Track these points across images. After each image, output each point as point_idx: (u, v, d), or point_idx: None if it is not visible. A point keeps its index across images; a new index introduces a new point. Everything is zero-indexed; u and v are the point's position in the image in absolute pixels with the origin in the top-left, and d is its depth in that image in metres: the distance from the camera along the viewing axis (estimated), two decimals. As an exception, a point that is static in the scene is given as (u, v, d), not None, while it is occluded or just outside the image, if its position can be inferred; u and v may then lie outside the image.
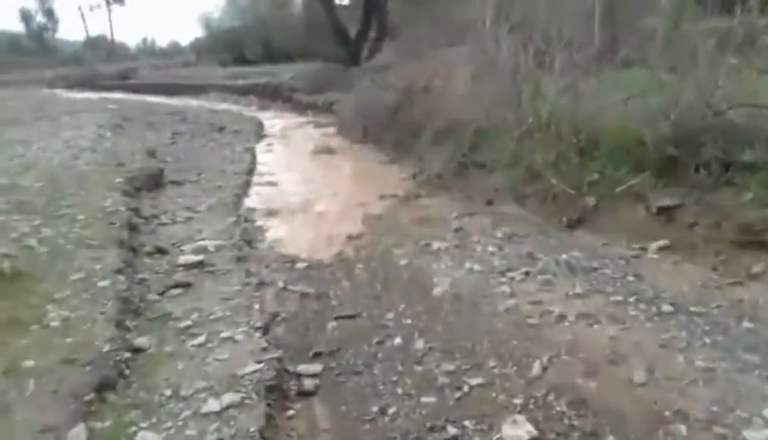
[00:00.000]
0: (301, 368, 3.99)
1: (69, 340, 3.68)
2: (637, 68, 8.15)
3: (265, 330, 4.21)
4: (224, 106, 22.98)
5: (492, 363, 3.95)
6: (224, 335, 4.09)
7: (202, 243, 6.20)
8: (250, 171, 10.57)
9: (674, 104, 6.58)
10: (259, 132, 15.80)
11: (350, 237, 6.88)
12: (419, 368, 3.99)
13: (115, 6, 54.88)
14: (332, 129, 15.80)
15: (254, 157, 11.87)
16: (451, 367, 3.94)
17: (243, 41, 33.47)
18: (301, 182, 9.92)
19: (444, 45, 14.64)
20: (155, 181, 8.98)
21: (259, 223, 7.57)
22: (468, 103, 9.57)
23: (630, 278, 5.17)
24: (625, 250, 5.91)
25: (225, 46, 35.34)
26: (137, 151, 10.60)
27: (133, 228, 6.34)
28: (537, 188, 7.48)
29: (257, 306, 4.64)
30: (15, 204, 6.59)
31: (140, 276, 5.15)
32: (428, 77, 11.89)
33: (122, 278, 4.74)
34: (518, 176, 7.88)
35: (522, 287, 5.18)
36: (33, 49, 52.16)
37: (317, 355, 4.20)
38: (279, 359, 3.79)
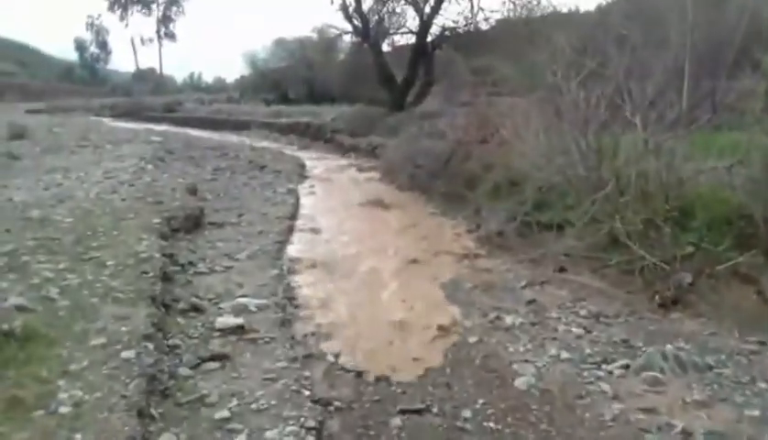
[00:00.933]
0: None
1: (78, 437, 2.90)
2: (730, 131, 7.28)
3: (318, 433, 3.37)
4: (264, 143, 22.64)
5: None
6: (269, 434, 3.27)
7: (242, 300, 5.46)
8: (293, 216, 9.88)
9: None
10: (301, 173, 15.22)
11: (404, 301, 6.07)
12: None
13: (165, 41, 55.72)
14: (376, 173, 15.15)
15: (297, 200, 11.21)
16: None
17: (287, 81, 33.55)
18: (346, 231, 9.16)
19: (494, 94, 14.09)
20: (194, 222, 8.34)
21: (303, 277, 6.79)
22: (533, 156, 8.77)
23: (762, 384, 4.21)
24: (739, 343, 4.95)
25: (270, 84, 35.50)
26: (178, 188, 10.04)
27: (167, 279, 5.64)
28: (619, 258, 6.56)
29: (306, 393, 3.82)
30: (42, 242, 5.96)
31: (171, 342, 4.39)
32: (485, 126, 11.18)
33: (151, 346, 3.98)
34: (596, 243, 7.00)
35: (625, 386, 4.27)
36: (85, 78, 53.68)
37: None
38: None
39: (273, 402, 3.61)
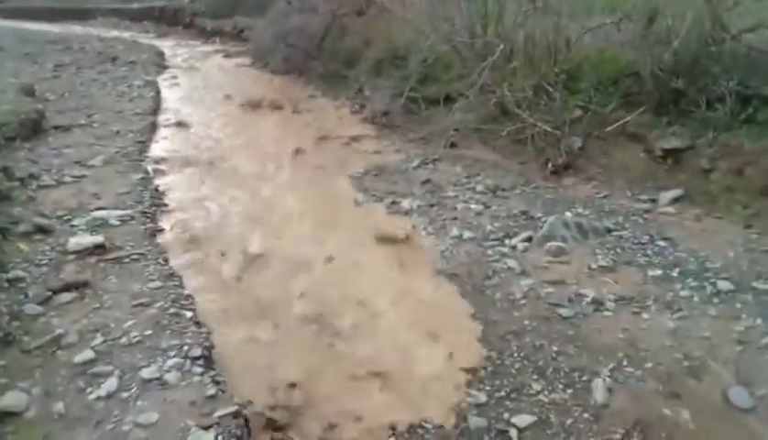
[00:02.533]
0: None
1: None
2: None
3: (207, 361, 2.87)
4: (114, 33, 20.06)
5: (536, 386, 2.84)
6: (145, 373, 2.72)
7: (99, 213, 4.64)
8: (155, 111, 8.73)
9: (677, 27, 5.57)
10: (160, 63, 13.59)
11: (291, 195, 5.53)
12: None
13: None
14: (245, 59, 13.88)
15: (158, 93, 9.92)
16: (483, 398, 2.80)
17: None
18: (219, 124, 8.25)
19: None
20: (33, 127, 7.05)
21: (172, 179, 5.98)
22: (415, 28, 8.16)
23: (660, 242, 4.20)
24: (632, 203, 4.96)
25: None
26: (9, 89, 8.44)
27: (2, 197, 4.66)
28: (508, 128, 6.32)
29: (188, 314, 3.27)
30: None
31: (12, 274, 3.58)
32: (360, -3, 10.30)
33: (-21, 284, 3.19)
34: (485, 114, 6.71)
35: (532, 259, 4.10)
36: None
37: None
38: (238, 415, 2.49)
39: (148, 332, 3.02)
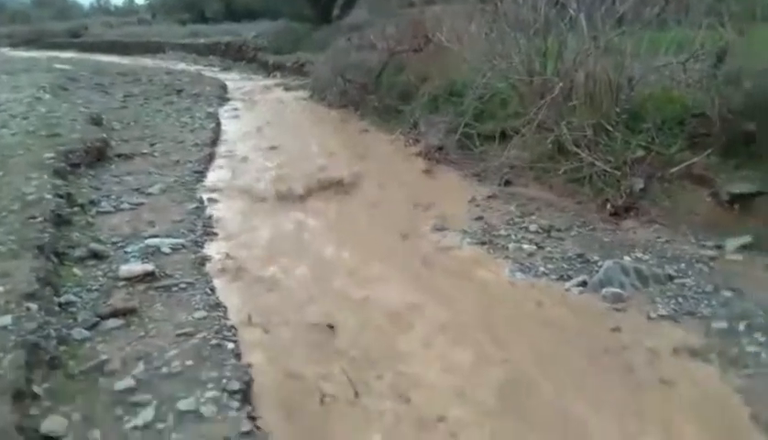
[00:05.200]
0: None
1: None
2: (678, 26, 6.81)
3: (244, 395, 2.81)
4: (181, 66, 20.95)
5: None
6: (182, 405, 2.69)
7: (152, 241, 4.72)
8: (213, 142, 8.97)
9: (748, 67, 5.32)
10: (222, 95, 14.06)
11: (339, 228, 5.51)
12: None
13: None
14: (304, 92, 14.20)
15: (218, 125, 10.22)
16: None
17: (202, -2, 31.11)
18: (276, 155, 8.38)
19: (427, 2, 13.11)
20: (97, 155, 7.34)
21: (226, 209, 6.06)
22: (472, 61, 8.13)
23: (726, 293, 3.92)
24: (696, 249, 4.67)
25: (184, 4, 32.85)
26: (79, 118, 8.86)
27: (62, 222, 4.81)
28: (566, 167, 6.14)
29: (229, 346, 3.24)
30: None
31: (65, 298, 3.65)
32: (418, 34, 10.36)
33: (35, 307, 3.25)
34: (542, 152, 6.55)
35: (586, 304, 3.90)
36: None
37: None
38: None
39: (189, 363, 3.00)
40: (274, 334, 3.57)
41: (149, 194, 6.11)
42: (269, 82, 17.03)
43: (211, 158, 8.05)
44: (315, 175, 7.25)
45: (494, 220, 5.50)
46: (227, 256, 4.74)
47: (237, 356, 3.17)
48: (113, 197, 5.88)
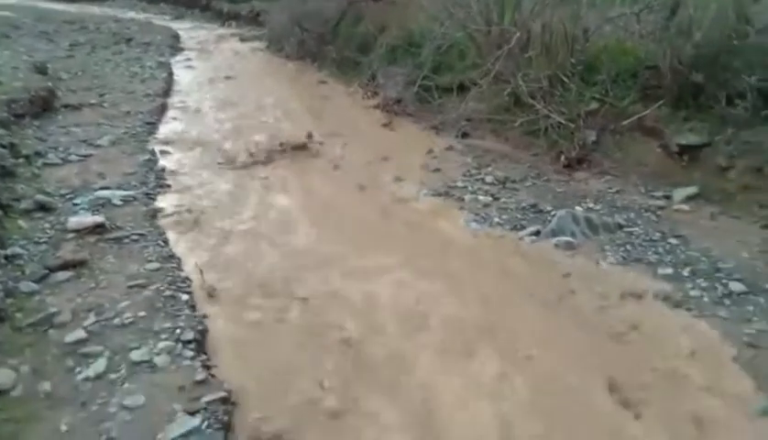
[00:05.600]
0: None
1: None
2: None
3: (199, 344, 2.81)
4: (131, 14, 20.04)
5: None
6: (135, 355, 2.67)
7: (103, 193, 4.60)
8: (165, 93, 8.68)
9: (699, 19, 5.39)
10: (175, 45, 13.55)
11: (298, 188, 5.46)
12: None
13: None
14: (260, 43, 13.80)
15: (170, 75, 9.87)
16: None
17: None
18: (230, 106, 8.17)
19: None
20: (43, 105, 7.02)
21: (178, 161, 5.91)
22: (431, 14, 8.02)
23: (672, 240, 4.07)
24: (646, 199, 4.81)
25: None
26: (21, 66, 8.43)
27: (5, 174, 4.63)
28: (522, 119, 6.18)
29: (183, 297, 3.21)
30: None
31: (11, 250, 3.54)
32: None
33: (-24, 259, 3.15)
34: (498, 104, 6.57)
35: (538, 253, 4.00)
36: None
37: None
38: (225, 400, 2.43)
39: (141, 314, 2.98)
40: (229, 285, 3.54)
41: (99, 146, 5.91)
42: (224, 31, 16.47)
43: (163, 109, 7.80)
44: (271, 128, 7.14)
45: (451, 172, 5.53)
46: (180, 208, 4.65)
47: (192, 307, 3.16)
48: (60, 149, 5.67)
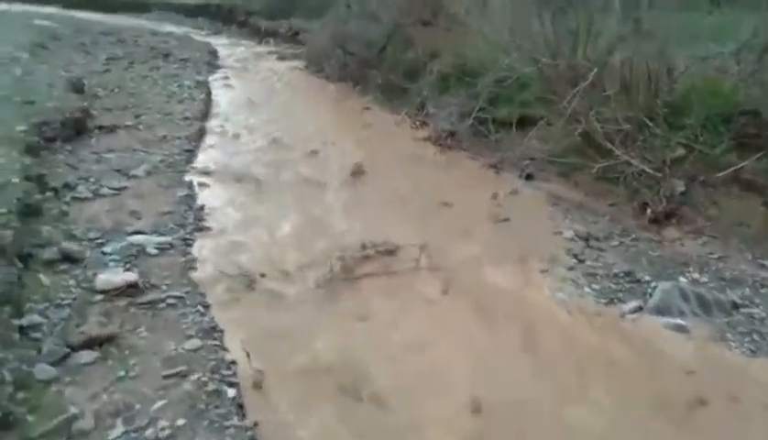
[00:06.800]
0: None
1: None
2: (731, 10, 6.18)
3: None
4: (168, 28, 19.86)
5: None
6: (173, 487, 2.09)
7: (136, 238, 4.08)
8: (204, 115, 8.23)
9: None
10: (213, 62, 13.21)
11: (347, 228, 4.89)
12: None
13: None
14: (299, 63, 13.37)
15: (208, 95, 9.43)
16: None
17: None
18: (271, 133, 7.64)
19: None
20: (76, 127, 6.58)
21: (219, 197, 5.38)
22: (493, 43, 7.43)
23: (806, 328, 3.40)
24: (756, 269, 4.13)
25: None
26: (57, 83, 8.04)
27: (31, 213, 4.13)
28: (601, 164, 5.53)
29: (230, 393, 2.63)
30: None
31: (27, 319, 3.00)
32: (428, 5, 9.62)
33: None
34: (567, 144, 5.94)
35: (648, 337, 3.35)
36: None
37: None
38: None
39: (180, 422, 2.40)
40: (284, 379, 2.91)
41: (133, 176, 5.44)
42: (262, 49, 16.12)
43: (201, 133, 7.33)
44: (317, 159, 6.61)
45: (523, 222, 4.91)
46: (222, 258, 4.09)
47: (240, 406, 2.56)
48: (92, 179, 5.20)
